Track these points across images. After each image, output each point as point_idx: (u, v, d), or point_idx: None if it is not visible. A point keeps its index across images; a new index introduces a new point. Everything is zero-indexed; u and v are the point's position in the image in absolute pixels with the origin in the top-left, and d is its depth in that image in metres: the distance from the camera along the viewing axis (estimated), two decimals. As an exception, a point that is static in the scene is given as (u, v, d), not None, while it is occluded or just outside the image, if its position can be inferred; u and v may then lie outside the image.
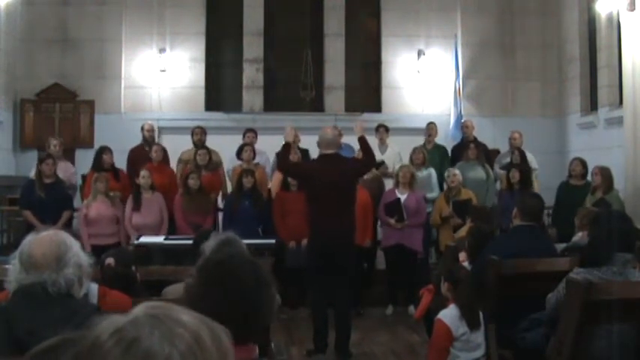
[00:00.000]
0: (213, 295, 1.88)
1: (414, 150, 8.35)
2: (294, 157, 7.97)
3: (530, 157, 8.74)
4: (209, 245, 3.55)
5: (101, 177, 7.49)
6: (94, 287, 3.45)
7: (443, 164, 8.81)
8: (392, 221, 7.42)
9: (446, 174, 7.97)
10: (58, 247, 2.40)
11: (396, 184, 7.63)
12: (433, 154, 8.78)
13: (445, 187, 8.18)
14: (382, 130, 8.91)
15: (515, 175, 7.73)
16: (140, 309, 1.03)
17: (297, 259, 7.06)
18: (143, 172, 7.58)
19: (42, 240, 2.43)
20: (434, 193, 8.11)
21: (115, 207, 7.46)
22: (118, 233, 7.39)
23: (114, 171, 8.00)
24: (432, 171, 8.27)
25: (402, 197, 7.48)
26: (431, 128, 9.17)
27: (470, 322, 3.95)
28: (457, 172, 7.84)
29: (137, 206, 7.45)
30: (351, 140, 8.39)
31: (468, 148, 8.53)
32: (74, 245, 2.46)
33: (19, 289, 2.38)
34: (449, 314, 3.98)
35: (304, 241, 7.14)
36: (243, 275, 1.91)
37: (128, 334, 0.97)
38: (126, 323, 0.99)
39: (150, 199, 7.51)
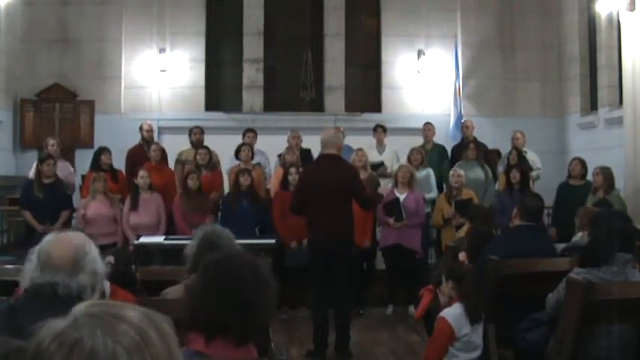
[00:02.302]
0: (213, 296, 1.88)
1: (412, 150, 8.32)
2: (294, 157, 7.98)
3: (534, 156, 8.73)
4: (191, 245, 3.36)
5: (99, 177, 7.48)
6: (106, 284, 3.46)
7: (442, 164, 8.80)
8: (390, 221, 7.42)
9: (450, 173, 7.95)
10: (76, 251, 2.37)
11: (395, 184, 7.63)
12: (432, 153, 8.78)
13: (446, 187, 8.17)
14: (380, 130, 8.90)
15: (515, 176, 7.73)
16: (79, 309, 1.01)
17: (299, 258, 7.04)
18: (142, 172, 7.56)
19: (62, 241, 2.40)
20: (432, 194, 8.09)
21: (113, 207, 7.44)
22: (116, 233, 7.36)
23: (112, 172, 7.98)
24: (431, 171, 8.26)
25: (401, 197, 7.47)
26: (428, 129, 9.16)
27: (473, 317, 3.88)
28: (462, 172, 7.82)
29: (134, 206, 7.44)
30: (352, 141, 8.43)
31: (467, 147, 8.53)
32: (93, 251, 2.42)
33: (30, 287, 2.36)
34: (452, 313, 3.90)
35: (305, 241, 7.14)
36: (243, 276, 1.91)
37: (69, 336, 0.96)
38: (66, 326, 0.97)
39: (148, 199, 7.50)
